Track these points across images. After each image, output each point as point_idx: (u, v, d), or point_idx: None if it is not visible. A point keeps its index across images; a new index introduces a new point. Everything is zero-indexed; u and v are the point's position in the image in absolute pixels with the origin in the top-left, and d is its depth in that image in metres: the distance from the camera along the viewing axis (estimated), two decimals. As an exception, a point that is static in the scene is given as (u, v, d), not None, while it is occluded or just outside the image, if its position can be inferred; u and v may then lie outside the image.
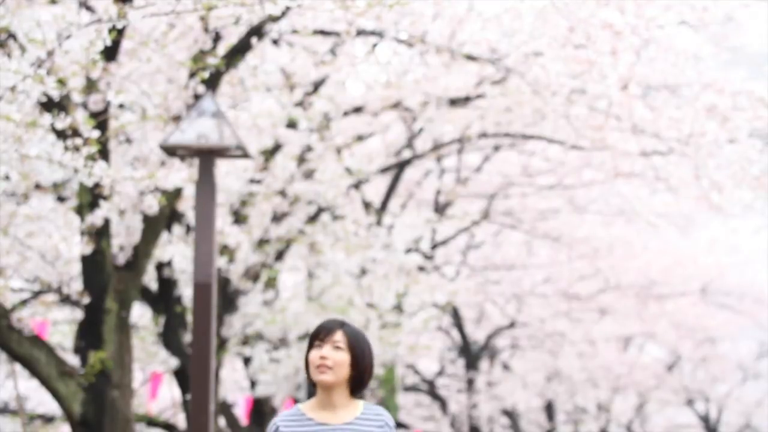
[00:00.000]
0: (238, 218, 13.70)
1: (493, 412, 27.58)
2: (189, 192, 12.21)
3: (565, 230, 22.20)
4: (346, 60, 12.75)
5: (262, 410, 15.52)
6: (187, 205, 12.91)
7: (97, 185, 9.68)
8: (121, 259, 10.69)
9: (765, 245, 28.45)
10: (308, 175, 14.04)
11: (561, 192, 20.21)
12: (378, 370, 18.44)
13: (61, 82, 8.68)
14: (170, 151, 10.02)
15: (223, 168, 12.92)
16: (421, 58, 12.88)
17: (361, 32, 11.64)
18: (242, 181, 13.56)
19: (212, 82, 10.58)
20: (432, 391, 28.47)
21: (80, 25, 8.34)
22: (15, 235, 10.37)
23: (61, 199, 11.92)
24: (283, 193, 14.02)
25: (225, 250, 13.39)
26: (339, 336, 5.53)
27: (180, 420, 16.94)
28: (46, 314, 13.80)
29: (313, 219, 14.54)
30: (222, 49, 10.79)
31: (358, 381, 5.57)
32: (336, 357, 5.50)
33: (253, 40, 10.74)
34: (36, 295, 14.21)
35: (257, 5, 8.38)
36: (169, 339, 13.43)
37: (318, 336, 5.56)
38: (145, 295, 13.54)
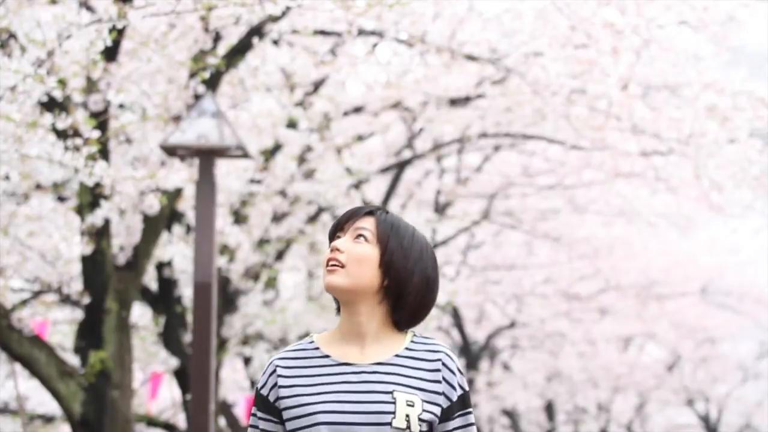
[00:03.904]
0: (238, 218, 13.69)
1: (493, 412, 27.58)
2: (189, 192, 12.21)
3: (565, 230, 22.17)
4: (346, 60, 12.74)
5: (262, 410, 15.50)
6: (187, 205, 12.91)
7: (97, 185, 9.67)
8: (121, 259, 10.68)
9: (765, 245, 28.45)
10: (308, 175, 14.04)
11: (561, 192, 20.18)
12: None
13: (62, 83, 8.67)
14: (170, 151, 10.02)
15: (223, 168, 12.92)
16: (421, 58, 12.88)
17: (361, 32, 11.63)
18: (242, 181, 13.56)
19: (212, 82, 10.57)
20: (432, 391, 28.42)
21: (80, 25, 8.34)
22: (15, 235, 10.36)
23: (61, 199, 11.92)
24: (283, 193, 14.01)
25: (225, 250, 13.39)
26: (366, 222, 3.54)
27: (180, 420, 16.95)
28: (46, 314, 13.80)
29: (313, 219, 14.53)
30: (222, 49, 10.79)
31: (396, 298, 3.49)
32: (353, 250, 3.49)
33: (254, 40, 10.74)
34: (36, 295, 14.22)
35: (257, 5, 8.38)
36: (169, 339, 13.42)
37: (340, 225, 3.59)
38: (145, 295, 13.53)
